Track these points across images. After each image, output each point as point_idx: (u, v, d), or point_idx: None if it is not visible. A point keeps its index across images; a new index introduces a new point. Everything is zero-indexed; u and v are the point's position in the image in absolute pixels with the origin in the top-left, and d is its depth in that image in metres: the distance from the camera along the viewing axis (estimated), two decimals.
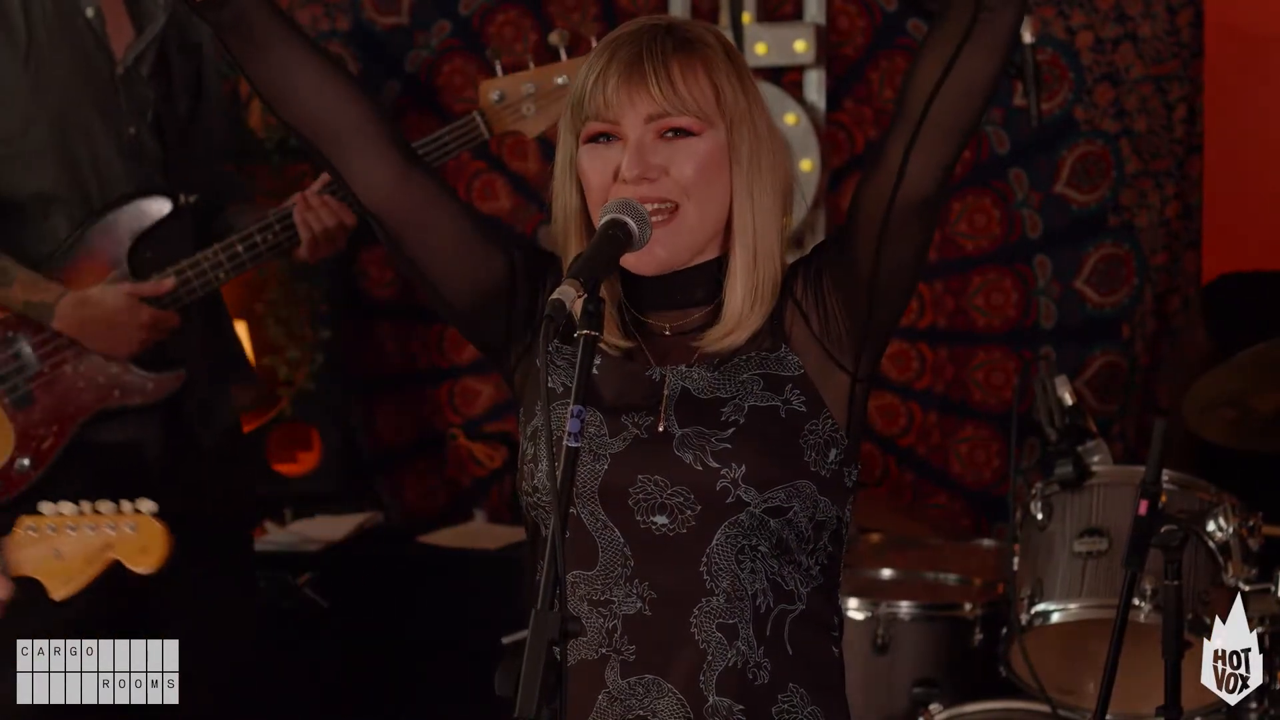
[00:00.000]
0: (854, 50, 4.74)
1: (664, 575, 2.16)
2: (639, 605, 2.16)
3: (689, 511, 2.15)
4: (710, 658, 2.15)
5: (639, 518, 2.16)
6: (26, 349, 3.43)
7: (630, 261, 2.17)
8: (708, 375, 2.21)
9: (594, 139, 2.19)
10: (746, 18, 4.60)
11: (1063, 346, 4.66)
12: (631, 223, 2.10)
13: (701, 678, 2.15)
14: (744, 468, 2.14)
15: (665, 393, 2.20)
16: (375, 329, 5.05)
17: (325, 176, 3.41)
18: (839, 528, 2.23)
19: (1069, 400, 3.46)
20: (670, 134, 2.17)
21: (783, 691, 2.18)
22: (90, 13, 3.47)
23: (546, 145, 4.90)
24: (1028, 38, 3.66)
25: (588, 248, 2.07)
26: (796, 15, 4.72)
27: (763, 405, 2.18)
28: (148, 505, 2.63)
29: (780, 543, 2.17)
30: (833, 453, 2.19)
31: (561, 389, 2.22)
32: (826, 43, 4.68)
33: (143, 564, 2.58)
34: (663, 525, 2.16)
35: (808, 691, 2.20)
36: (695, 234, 2.19)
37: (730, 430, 2.16)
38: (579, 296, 1.98)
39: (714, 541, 2.15)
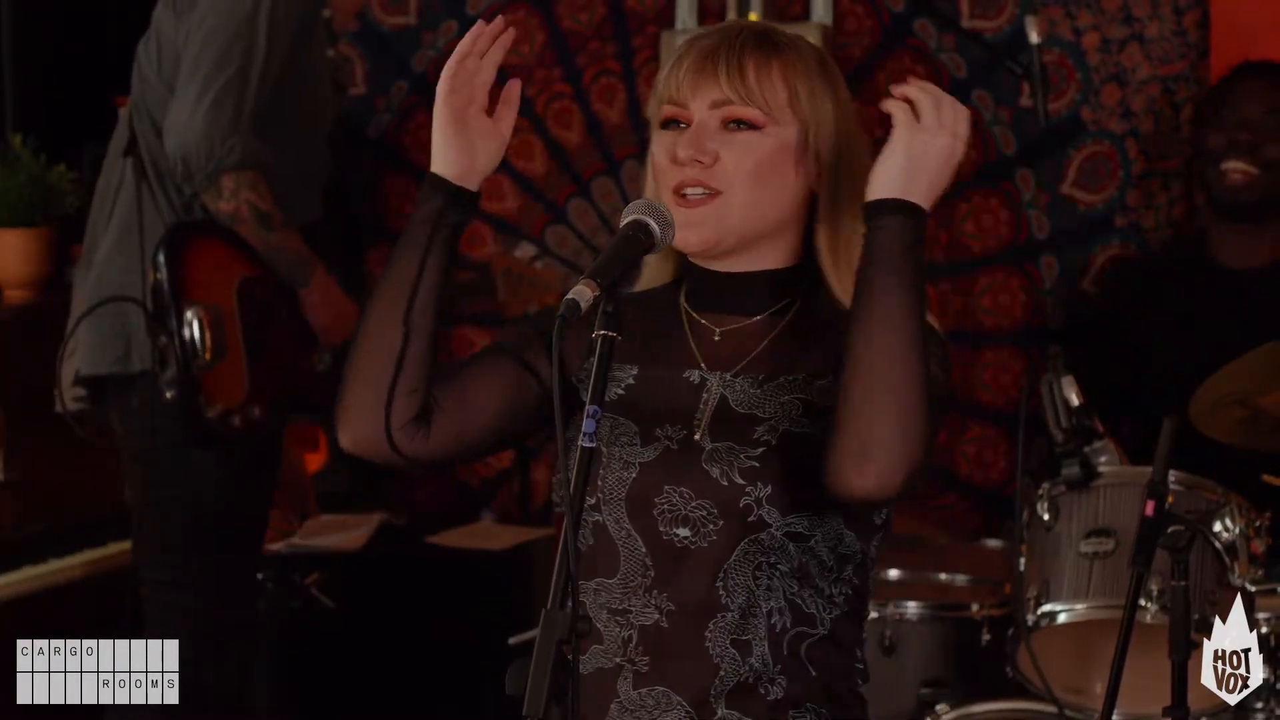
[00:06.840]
0: (861, 51, 4.74)
1: (681, 587, 2.14)
2: (655, 616, 2.15)
3: (711, 525, 2.13)
4: (723, 672, 2.14)
5: (662, 528, 2.15)
6: None
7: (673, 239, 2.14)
8: (750, 390, 2.18)
9: (665, 124, 2.19)
10: (753, 17, 4.60)
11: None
12: (654, 223, 2.08)
13: (712, 691, 2.14)
14: (770, 488, 2.12)
15: (703, 399, 2.19)
16: None
17: None
18: (864, 562, 2.20)
19: (1076, 401, 3.46)
20: (734, 125, 2.16)
21: (796, 709, 2.16)
22: None
23: (554, 146, 4.90)
24: (1035, 38, 3.65)
25: (607, 248, 2.06)
26: (804, 15, 4.72)
27: (797, 431, 2.15)
28: None
29: (800, 567, 2.15)
30: None
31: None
32: (834, 43, 4.68)
33: None
34: (685, 537, 2.14)
35: (826, 713, 2.18)
36: (740, 224, 2.16)
37: (760, 449, 2.14)
38: (594, 295, 1.97)
39: (732, 557, 2.13)
